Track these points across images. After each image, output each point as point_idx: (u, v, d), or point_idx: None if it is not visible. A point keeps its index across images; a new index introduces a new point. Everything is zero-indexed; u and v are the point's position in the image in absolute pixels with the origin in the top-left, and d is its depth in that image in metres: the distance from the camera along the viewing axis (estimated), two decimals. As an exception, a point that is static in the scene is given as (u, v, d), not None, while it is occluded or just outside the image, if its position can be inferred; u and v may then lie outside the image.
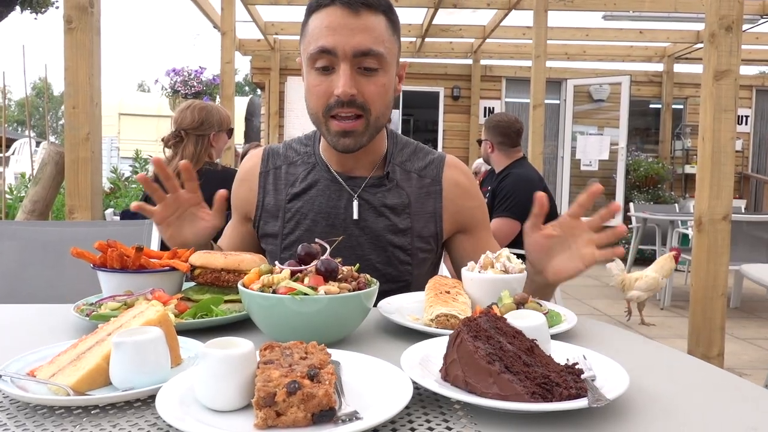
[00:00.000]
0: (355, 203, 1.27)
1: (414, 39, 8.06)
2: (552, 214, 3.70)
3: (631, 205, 6.46)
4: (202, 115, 2.48)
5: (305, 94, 1.24)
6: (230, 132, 2.67)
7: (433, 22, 7.07)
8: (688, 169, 8.53)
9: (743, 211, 7.56)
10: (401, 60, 1.29)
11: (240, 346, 0.64)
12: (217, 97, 5.53)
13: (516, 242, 3.28)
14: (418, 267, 1.30)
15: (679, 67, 8.75)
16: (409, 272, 1.29)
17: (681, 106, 9.03)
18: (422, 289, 1.36)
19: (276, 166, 1.35)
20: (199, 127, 2.48)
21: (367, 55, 1.14)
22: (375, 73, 1.17)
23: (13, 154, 11.11)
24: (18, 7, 3.26)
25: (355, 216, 1.27)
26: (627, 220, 7.46)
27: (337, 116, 1.18)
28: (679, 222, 5.26)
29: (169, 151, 2.51)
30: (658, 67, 8.84)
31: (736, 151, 8.38)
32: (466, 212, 1.34)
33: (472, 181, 1.38)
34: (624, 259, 7.31)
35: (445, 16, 7.09)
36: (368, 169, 1.31)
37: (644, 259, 7.58)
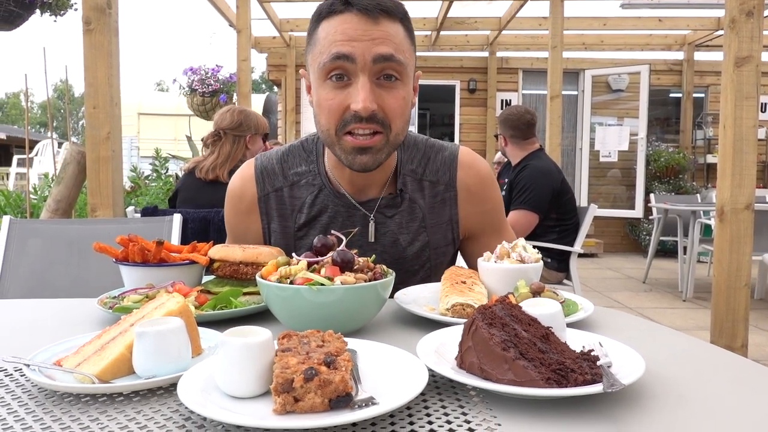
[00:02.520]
0: (371, 225, 1.21)
1: (429, 32, 8.01)
2: (571, 208, 3.67)
3: (652, 196, 6.36)
4: (241, 118, 2.64)
5: (315, 109, 1.13)
6: (266, 137, 2.77)
7: (448, 15, 7.02)
8: (710, 159, 8.37)
9: (767, 200, 7.41)
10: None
11: (258, 334, 0.66)
12: (234, 95, 5.57)
13: (534, 234, 3.27)
14: (435, 276, 1.26)
15: (699, 55, 8.58)
16: (428, 281, 1.26)
17: (702, 95, 8.86)
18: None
19: (275, 188, 1.25)
20: (237, 128, 2.63)
21: (389, 61, 1.05)
22: (395, 84, 1.08)
23: (36, 155, 11.34)
24: (38, 10, 3.31)
25: (371, 239, 1.21)
26: (648, 211, 7.38)
27: (352, 132, 1.08)
28: (701, 212, 5.16)
29: (206, 150, 2.65)
30: (678, 55, 8.68)
31: (759, 140, 8.16)
32: (474, 218, 1.28)
33: (485, 182, 1.29)
34: (645, 251, 7.24)
35: (459, 9, 7.04)
36: (380, 186, 1.23)
37: (665, 251, 7.49)
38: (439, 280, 1.20)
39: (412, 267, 1.24)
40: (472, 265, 1.34)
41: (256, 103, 10.72)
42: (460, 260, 1.59)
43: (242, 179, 1.28)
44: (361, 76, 1.05)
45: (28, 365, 0.70)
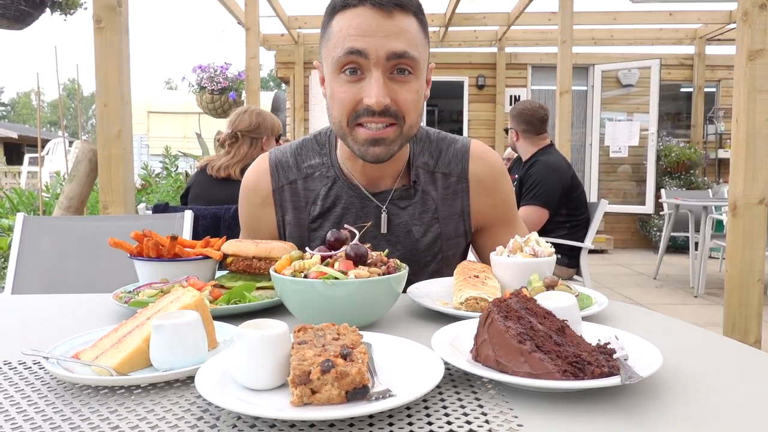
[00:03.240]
0: (384, 217, 1.22)
1: (437, 28, 7.99)
2: (581, 204, 3.64)
3: (663, 191, 6.31)
4: (259, 120, 2.64)
5: (328, 102, 1.14)
6: (278, 138, 2.78)
7: (457, 11, 7.00)
8: (722, 154, 8.29)
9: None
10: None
11: (275, 327, 0.66)
12: (243, 92, 5.59)
13: (544, 230, 3.25)
14: (448, 267, 1.28)
15: (711, 49, 8.49)
16: (439, 275, 1.27)
17: (713, 89, 8.77)
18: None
19: (290, 181, 1.26)
20: (254, 131, 2.64)
21: (402, 58, 1.05)
22: (408, 78, 1.08)
23: (47, 154, 11.43)
24: (48, 9, 3.34)
25: (384, 230, 1.22)
26: (659, 206, 7.32)
27: (364, 124, 1.09)
28: (713, 207, 5.12)
29: (221, 150, 2.66)
30: (689, 49, 8.59)
31: (773, 134, 8.04)
32: (486, 210, 1.29)
33: (497, 174, 1.29)
34: (656, 247, 7.19)
35: (468, 4, 7.00)
36: (392, 178, 1.24)
37: (676, 247, 7.44)
38: (450, 273, 1.21)
39: (425, 258, 1.26)
40: (484, 258, 1.34)
41: (265, 101, 10.76)
42: (470, 256, 1.59)
43: (257, 172, 1.30)
44: (374, 70, 1.05)
45: (47, 358, 0.71)
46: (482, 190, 1.27)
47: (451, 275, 1.28)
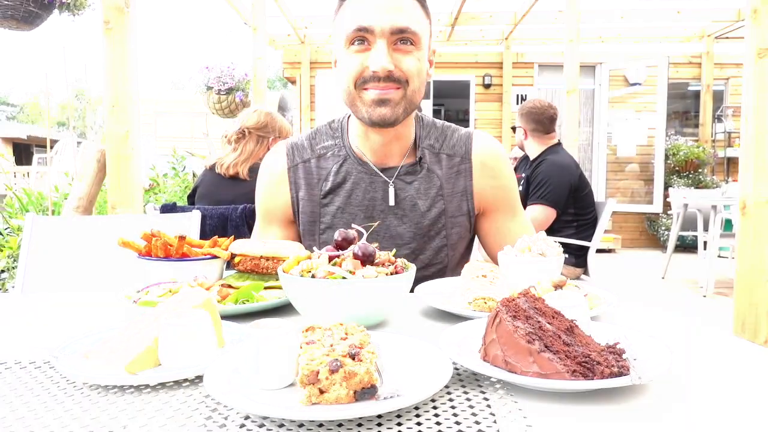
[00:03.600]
0: (391, 190, 1.29)
1: (444, 27, 7.98)
2: (588, 203, 3.61)
3: (671, 190, 6.28)
4: (267, 119, 2.66)
5: (339, 74, 1.25)
6: None
7: (463, 10, 6.99)
8: (731, 152, 8.24)
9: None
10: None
11: (283, 326, 0.66)
12: (249, 92, 5.60)
13: (552, 229, 3.24)
14: (453, 248, 1.33)
15: (719, 47, 8.43)
16: (445, 255, 1.32)
17: (722, 88, 8.71)
18: (458, 272, 1.37)
19: (304, 160, 1.35)
20: (262, 129, 2.65)
21: (404, 32, 1.16)
22: (411, 48, 1.18)
23: (56, 154, 11.49)
24: (56, 10, 3.36)
25: (392, 202, 1.28)
26: (667, 205, 7.29)
27: (370, 88, 1.19)
28: (722, 206, 5.08)
29: (229, 146, 2.66)
30: (698, 47, 8.54)
31: (782, 133, 7.95)
32: (488, 191, 1.34)
33: (499, 157, 1.36)
34: (664, 246, 7.15)
35: (474, 3, 7.00)
36: (399, 156, 1.32)
37: (685, 246, 7.39)
38: (455, 257, 1.25)
39: (429, 233, 1.31)
40: (487, 245, 1.38)
41: (271, 101, 10.77)
42: (476, 256, 1.58)
43: (274, 153, 1.40)
44: (379, 41, 1.16)
45: (57, 357, 0.71)
46: (485, 172, 1.34)
47: (456, 260, 1.35)
